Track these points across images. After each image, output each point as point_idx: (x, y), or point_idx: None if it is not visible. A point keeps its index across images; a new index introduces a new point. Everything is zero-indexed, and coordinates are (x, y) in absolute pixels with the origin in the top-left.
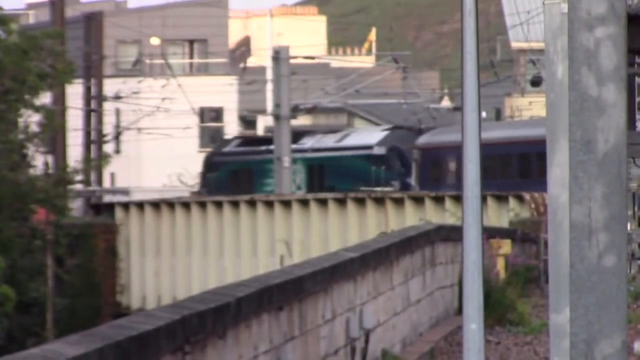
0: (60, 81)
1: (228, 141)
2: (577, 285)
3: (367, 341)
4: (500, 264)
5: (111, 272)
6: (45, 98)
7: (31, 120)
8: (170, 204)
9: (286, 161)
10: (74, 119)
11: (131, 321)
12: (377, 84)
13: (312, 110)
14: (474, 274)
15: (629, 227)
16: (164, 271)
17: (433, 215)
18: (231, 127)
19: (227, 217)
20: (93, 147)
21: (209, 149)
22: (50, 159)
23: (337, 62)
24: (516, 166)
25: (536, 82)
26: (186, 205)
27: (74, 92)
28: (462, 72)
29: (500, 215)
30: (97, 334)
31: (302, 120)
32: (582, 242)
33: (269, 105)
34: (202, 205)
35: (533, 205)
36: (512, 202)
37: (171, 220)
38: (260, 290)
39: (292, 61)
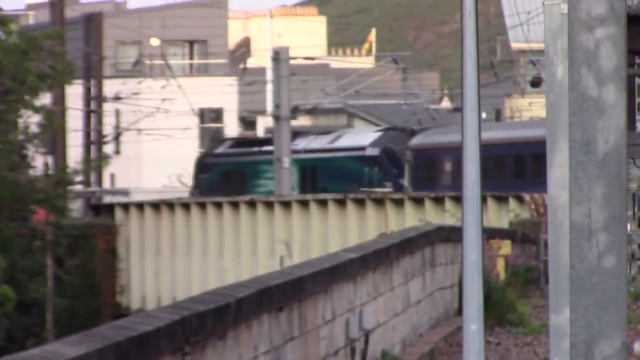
0: (60, 82)
1: (220, 142)
2: (577, 285)
3: (366, 342)
4: (500, 264)
5: (111, 273)
6: (45, 99)
7: (31, 120)
8: (170, 205)
9: (286, 162)
10: (74, 120)
11: (131, 322)
12: (377, 85)
13: (312, 111)
14: (474, 275)
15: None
16: (164, 272)
17: (433, 216)
18: (231, 128)
19: (227, 218)
20: (93, 148)
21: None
22: (50, 159)
23: (337, 62)
24: (511, 167)
25: (536, 83)
26: (186, 206)
27: (74, 92)
28: (462, 72)
29: (500, 216)
30: (96, 335)
31: (302, 121)
32: (582, 243)
33: (269, 106)
34: (202, 206)
35: (533, 206)
36: (512, 203)
37: (171, 221)
38: (260, 290)
39: (292, 62)
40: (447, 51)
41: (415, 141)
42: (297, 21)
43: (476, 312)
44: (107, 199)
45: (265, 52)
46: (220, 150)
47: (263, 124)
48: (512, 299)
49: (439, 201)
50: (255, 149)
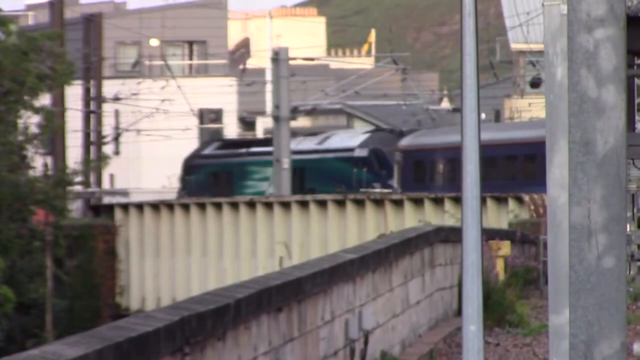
0: (60, 82)
1: (207, 144)
2: (577, 286)
3: (366, 342)
4: (500, 265)
5: (110, 274)
6: (44, 99)
7: (31, 121)
8: (170, 206)
9: (285, 162)
10: (74, 121)
11: (130, 322)
12: (376, 86)
13: (311, 112)
14: (474, 276)
15: (628, 229)
16: (164, 272)
17: (432, 217)
18: (230, 129)
19: (227, 219)
20: (92, 149)
21: None
22: (49, 160)
23: (337, 63)
24: (502, 168)
25: (536, 84)
26: (185, 206)
27: (73, 93)
28: (461, 73)
29: (500, 217)
30: (96, 335)
31: (302, 122)
32: (581, 244)
33: (269, 107)
34: (202, 206)
35: (532, 207)
36: (512, 204)
37: (170, 221)
38: (260, 291)
39: (291, 62)
40: (447, 52)
41: (404, 142)
42: (297, 22)
43: (475, 312)
44: (107, 200)
45: (264, 52)
46: (207, 151)
47: (262, 125)
48: (512, 300)
49: (438, 202)
50: (243, 150)
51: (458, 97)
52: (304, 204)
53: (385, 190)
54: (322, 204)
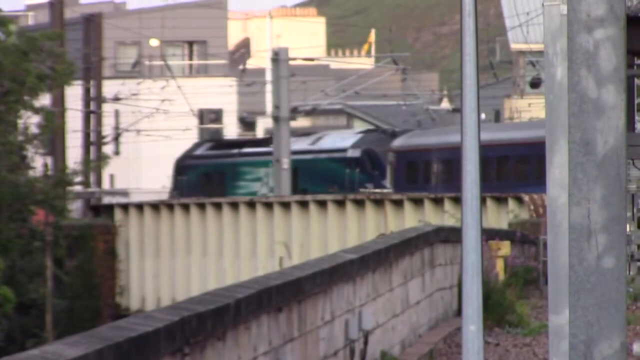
0: (60, 83)
1: (199, 144)
2: (576, 286)
3: (366, 342)
4: (500, 265)
5: (110, 274)
6: (44, 99)
7: (31, 121)
8: (170, 206)
9: (285, 163)
10: (73, 121)
11: (130, 322)
12: (376, 86)
13: (311, 112)
14: (473, 276)
15: (628, 229)
16: (163, 272)
17: (432, 217)
18: (230, 129)
19: (227, 219)
20: (92, 149)
21: None
22: (49, 160)
23: (337, 63)
24: (494, 169)
25: (535, 84)
26: (185, 206)
27: (73, 93)
28: (461, 73)
29: (500, 217)
30: (96, 335)
31: (302, 122)
32: (581, 244)
33: (269, 107)
34: (202, 206)
35: (532, 207)
36: (512, 204)
37: (170, 221)
38: (260, 291)
39: (291, 63)
40: (447, 52)
41: (397, 143)
42: (297, 22)
43: (475, 312)
44: (107, 200)
45: (264, 52)
46: (199, 152)
47: (262, 125)
48: (512, 300)
49: (438, 202)
50: (235, 151)
51: (458, 97)
52: (304, 204)
53: (386, 190)
54: (322, 204)
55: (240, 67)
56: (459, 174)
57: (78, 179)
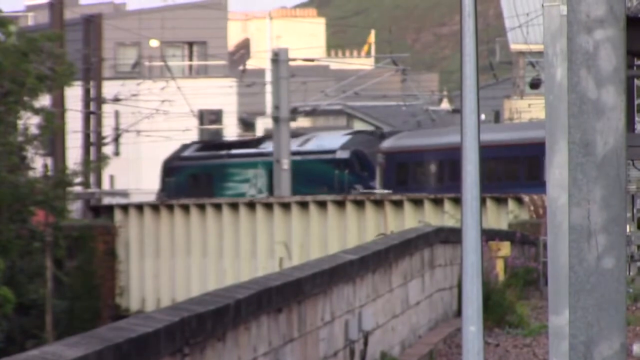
0: (60, 84)
1: (186, 146)
2: (576, 287)
3: (366, 343)
4: (500, 266)
5: (110, 274)
6: (44, 100)
7: (30, 122)
8: (170, 206)
9: (285, 163)
10: (73, 121)
11: (130, 323)
12: (376, 86)
13: (311, 113)
14: (473, 276)
15: (627, 229)
16: (163, 273)
17: (432, 218)
18: (230, 130)
19: (227, 219)
20: (92, 150)
21: None
22: (49, 161)
23: (337, 64)
24: (484, 170)
25: (535, 85)
26: (185, 207)
27: (73, 94)
28: (461, 74)
29: (500, 218)
30: (96, 336)
31: (302, 123)
32: (581, 244)
33: (268, 108)
34: (201, 207)
35: (532, 207)
36: (511, 204)
37: (170, 222)
38: (260, 292)
39: (291, 63)
40: (447, 53)
41: (387, 144)
42: (297, 23)
43: (475, 313)
44: (107, 201)
45: (264, 53)
46: (187, 153)
47: (262, 126)
48: (512, 301)
49: (438, 202)
50: (224, 152)
51: (458, 98)
52: (303, 205)
53: (386, 191)
54: (322, 204)
55: (240, 67)
56: (449, 175)
57: (78, 179)
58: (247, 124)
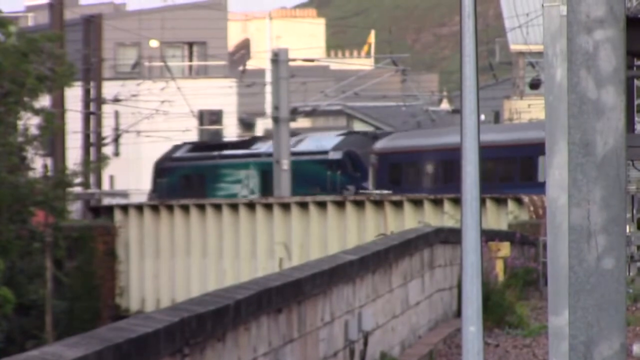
0: (60, 84)
1: (178, 147)
2: (576, 287)
3: (365, 344)
4: (499, 266)
5: (110, 275)
6: (44, 101)
7: (30, 122)
8: (169, 207)
9: (285, 164)
10: (73, 122)
11: (130, 323)
12: (376, 87)
13: (311, 113)
14: (473, 277)
15: (627, 230)
16: (163, 273)
17: (432, 218)
18: (230, 130)
19: (226, 220)
20: (92, 150)
21: None
22: (49, 161)
23: (336, 64)
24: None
25: (535, 85)
26: (185, 207)
27: (73, 94)
28: (461, 74)
29: (499, 218)
30: (96, 337)
31: (301, 123)
32: (581, 245)
33: (268, 108)
34: (201, 207)
35: (532, 208)
36: (511, 205)
37: (170, 222)
38: (259, 292)
39: (291, 64)
40: (446, 53)
41: (380, 145)
42: (296, 23)
43: (475, 313)
44: (107, 201)
45: (264, 53)
46: (178, 154)
47: (262, 126)
48: (511, 301)
49: (437, 203)
50: (215, 153)
51: (458, 98)
52: (303, 205)
53: (385, 192)
54: (322, 205)
55: (240, 68)
56: (443, 176)
57: (78, 180)
58: (247, 124)
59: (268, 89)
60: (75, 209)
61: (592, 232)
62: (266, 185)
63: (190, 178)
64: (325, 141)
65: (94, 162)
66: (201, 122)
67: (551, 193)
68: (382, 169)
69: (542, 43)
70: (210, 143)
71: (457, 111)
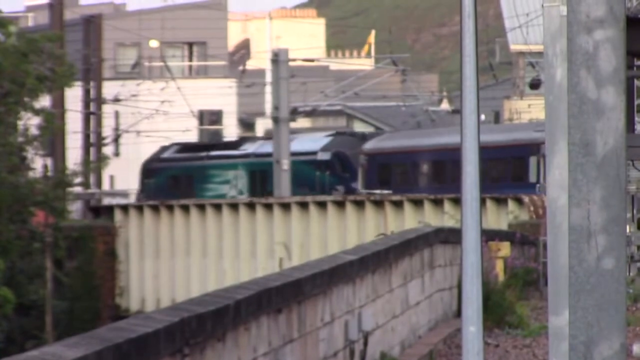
0: (60, 84)
1: (165, 148)
2: (576, 287)
3: (365, 344)
4: (499, 266)
5: (110, 275)
6: (44, 101)
7: (30, 123)
8: (169, 207)
9: (285, 164)
10: (73, 122)
11: (130, 323)
12: (376, 87)
13: (311, 113)
14: (473, 277)
15: (627, 230)
16: (163, 273)
17: (432, 218)
18: (230, 130)
19: (226, 220)
20: (92, 150)
21: None
22: (49, 161)
23: (336, 64)
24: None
25: (535, 85)
26: (185, 207)
27: (73, 94)
28: (461, 74)
29: (499, 218)
30: (96, 337)
31: (301, 123)
32: (581, 245)
33: (268, 108)
34: (201, 207)
35: (532, 208)
36: (511, 205)
37: (170, 222)
38: (259, 292)
39: (291, 64)
40: (446, 53)
41: (369, 145)
42: (296, 23)
43: (475, 313)
44: (107, 201)
45: (264, 54)
46: (166, 155)
47: (262, 126)
48: (511, 301)
49: (438, 203)
50: (203, 154)
51: (458, 98)
52: (303, 205)
53: (386, 192)
54: (322, 205)
55: (240, 68)
56: (432, 176)
57: (78, 180)
58: (247, 124)
59: (268, 89)
60: (75, 209)
61: (592, 232)
62: (255, 185)
63: (178, 179)
64: (314, 142)
65: (94, 162)
66: (201, 122)
67: (551, 193)
68: (371, 169)
69: (542, 43)
70: (198, 144)
71: (457, 111)
